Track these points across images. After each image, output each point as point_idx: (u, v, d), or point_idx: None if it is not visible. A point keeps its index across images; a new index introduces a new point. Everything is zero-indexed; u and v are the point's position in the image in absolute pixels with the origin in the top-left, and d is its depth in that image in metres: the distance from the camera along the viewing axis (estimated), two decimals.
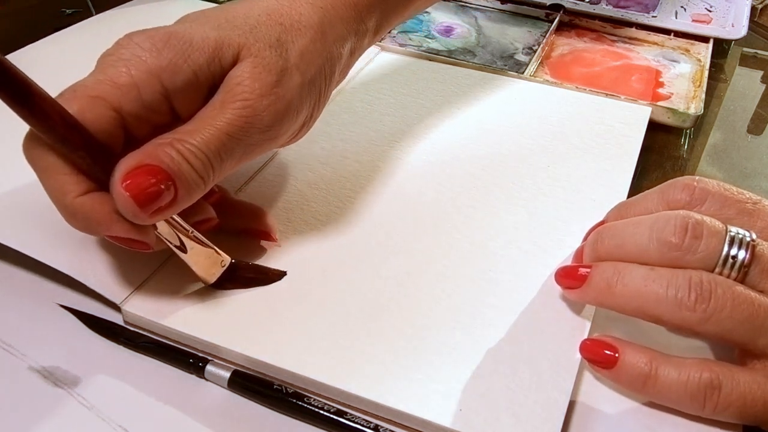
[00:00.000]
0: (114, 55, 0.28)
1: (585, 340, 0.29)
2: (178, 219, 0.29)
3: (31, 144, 0.27)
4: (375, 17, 0.36)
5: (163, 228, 0.29)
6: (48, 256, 0.32)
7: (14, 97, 0.24)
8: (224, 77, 0.29)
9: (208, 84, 0.29)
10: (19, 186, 0.36)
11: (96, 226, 0.27)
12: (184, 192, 0.27)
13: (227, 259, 0.32)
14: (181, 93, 0.28)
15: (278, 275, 0.33)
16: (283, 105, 0.29)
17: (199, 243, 0.30)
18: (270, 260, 0.33)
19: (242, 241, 0.34)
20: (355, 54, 0.35)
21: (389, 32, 0.40)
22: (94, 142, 0.26)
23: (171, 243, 0.29)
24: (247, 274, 0.32)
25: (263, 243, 0.34)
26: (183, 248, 0.30)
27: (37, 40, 0.50)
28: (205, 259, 0.31)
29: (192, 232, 0.30)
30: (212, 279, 0.32)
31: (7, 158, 0.36)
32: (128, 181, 0.26)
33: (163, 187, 0.26)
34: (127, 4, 0.57)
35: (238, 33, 0.29)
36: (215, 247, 0.31)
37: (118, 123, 0.27)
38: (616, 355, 0.27)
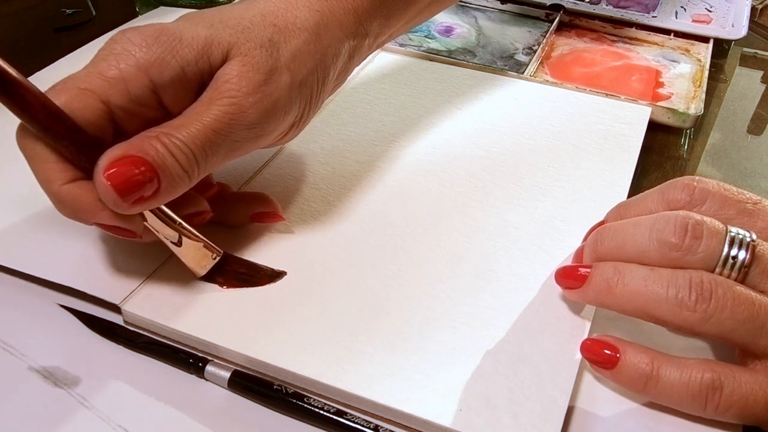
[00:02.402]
0: (106, 50, 0.29)
1: (585, 339, 0.29)
2: (167, 210, 0.30)
3: (22, 134, 0.28)
4: (377, 22, 0.36)
5: (150, 218, 0.29)
6: (46, 270, 0.32)
7: None
8: (213, 75, 0.29)
9: (196, 80, 0.29)
10: (8, 204, 0.36)
11: (81, 213, 0.28)
12: (167, 185, 0.27)
13: (219, 252, 0.32)
14: (169, 88, 0.28)
15: (273, 275, 0.33)
16: (270, 103, 0.30)
17: (187, 235, 0.31)
18: (270, 260, 0.33)
19: (242, 240, 0.34)
20: (354, 57, 0.35)
21: (393, 38, 0.40)
22: (79, 133, 0.27)
23: (159, 233, 0.29)
24: (238, 269, 0.33)
25: (262, 242, 0.34)
26: (173, 240, 0.30)
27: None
28: (195, 252, 0.31)
29: (180, 223, 0.30)
30: (202, 271, 0.32)
31: None
32: (111, 171, 0.26)
33: (145, 178, 0.27)
34: (132, 21, 0.57)
35: (229, 32, 0.30)
36: (206, 240, 0.31)
37: (106, 115, 0.28)
38: (617, 355, 0.27)
